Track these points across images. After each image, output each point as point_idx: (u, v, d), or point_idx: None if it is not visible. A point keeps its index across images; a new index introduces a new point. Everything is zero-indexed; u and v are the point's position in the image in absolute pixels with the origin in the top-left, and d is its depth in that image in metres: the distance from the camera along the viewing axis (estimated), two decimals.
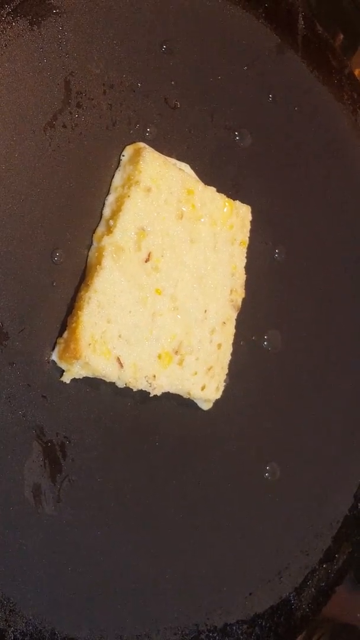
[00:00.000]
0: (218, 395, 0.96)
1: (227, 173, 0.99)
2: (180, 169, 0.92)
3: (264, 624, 1.02)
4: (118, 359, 0.85)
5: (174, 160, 0.92)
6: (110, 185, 0.88)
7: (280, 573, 1.05)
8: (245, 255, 0.98)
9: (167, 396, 0.91)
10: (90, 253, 0.86)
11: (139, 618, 0.90)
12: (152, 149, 0.89)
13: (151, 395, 0.89)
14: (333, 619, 1.17)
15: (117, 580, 0.88)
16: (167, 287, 0.89)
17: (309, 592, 1.07)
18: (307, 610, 1.07)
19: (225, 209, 0.95)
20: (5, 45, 0.79)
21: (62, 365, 0.83)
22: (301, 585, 1.07)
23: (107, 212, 0.87)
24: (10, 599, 0.80)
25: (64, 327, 0.84)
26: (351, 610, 1.19)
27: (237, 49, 0.99)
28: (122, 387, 0.87)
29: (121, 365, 0.85)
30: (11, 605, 0.80)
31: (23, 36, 0.80)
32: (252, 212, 0.98)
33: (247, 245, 0.98)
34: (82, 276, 0.85)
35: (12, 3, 0.79)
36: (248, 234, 0.98)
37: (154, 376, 0.89)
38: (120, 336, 0.85)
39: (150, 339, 0.88)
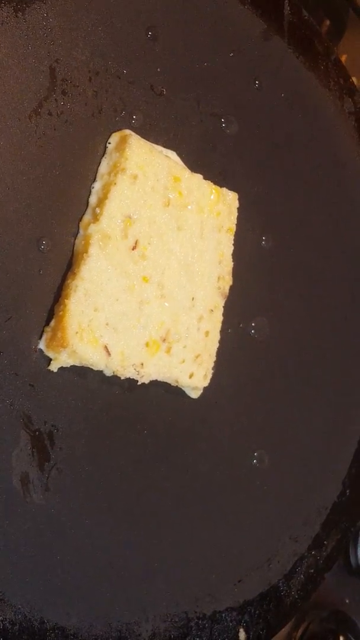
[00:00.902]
0: (206, 382, 0.96)
1: (214, 160, 0.99)
2: (166, 156, 0.91)
3: (253, 611, 1.02)
4: (105, 347, 0.85)
5: (160, 148, 0.92)
6: (96, 172, 0.87)
7: (269, 560, 1.05)
8: (233, 242, 0.97)
9: (155, 384, 0.91)
10: (76, 241, 0.86)
11: (128, 606, 0.90)
12: (139, 136, 0.88)
13: (139, 383, 0.89)
14: (322, 605, 1.18)
15: (105, 569, 0.88)
16: (154, 275, 0.89)
17: (298, 579, 1.08)
18: (296, 597, 1.07)
19: (212, 196, 0.95)
20: None
21: (50, 354, 0.83)
22: (290, 572, 1.07)
23: (93, 199, 0.87)
24: None
25: (51, 315, 0.83)
26: (340, 597, 1.20)
27: (222, 35, 0.99)
28: (109, 375, 0.87)
29: (109, 354, 0.85)
30: (0, 594, 0.80)
31: (7, 23, 0.79)
32: (239, 199, 0.97)
33: (234, 233, 0.97)
34: (68, 264, 0.85)
35: None
36: (235, 221, 0.97)
37: (142, 364, 0.88)
38: (107, 324, 0.85)
39: (137, 326, 0.88)
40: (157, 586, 0.93)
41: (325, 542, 1.11)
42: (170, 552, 0.95)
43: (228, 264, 0.97)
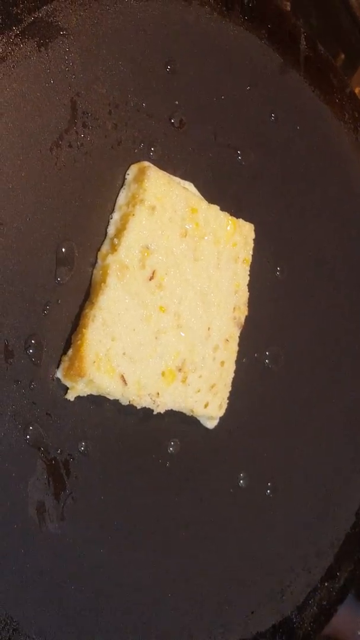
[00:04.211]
0: (221, 412, 0.96)
1: (230, 191, 1.00)
2: (184, 187, 0.92)
3: None
4: (122, 376, 0.85)
5: (178, 179, 0.93)
6: (115, 203, 0.88)
7: (282, 591, 1.04)
8: (249, 273, 0.98)
9: (171, 414, 0.91)
10: (95, 271, 0.86)
11: (141, 636, 0.90)
12: (157, 168, 0.89)
13: (155, 412, 0.89)
14: (335, 637, 1.17)
15: (119, 598, 0.88)
16: (171, 305, 0.90)
17: (311, 611, 1.07)
18: (309, 628, 1.07)
19: (228, 227, 0.95)
20: (13, 67, 0.79)
21: (67, 383, 0.83)
22: (303, 603, 1.07)
23: (111, 230, 0.88)
24: (13, 618, 0.79)
25: (68, 344, 0.84)
26: (352, 629, 1.19)
27: (240, 69, 1.00)
28: (125, 404, 0.87)
29: (125, 383, 0.86)
30: (14, 624, 0.80)
31: (31, 57, 0.81)
32: (255, 230, 0.98)
33: (250, 263, 0.98)
34: (86, 294, 0.86)
35: (20, 25, 0.80)
36: (251, 252, 0.98)
37: (158, 394, 0.89)
38: (124, 354, 0.85)
39: (154, 356, 0.88)
40: (171, 616, 0.93)
41: (338, 574, 1.11)
42: (183, 583, 0.94)
43: (244, 295, 0.98)
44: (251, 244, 0.98)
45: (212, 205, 0.94)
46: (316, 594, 1.08)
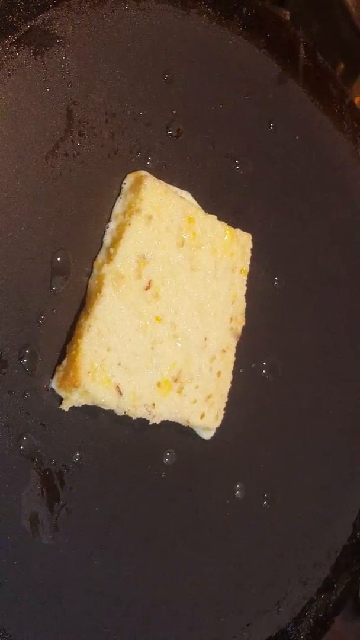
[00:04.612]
0: (217, 423, 0.96)
1: (228, 201, 0.99)
2: (181, 197, 0.92)
3: None
4: (117, 387, 0.85)
5: (175, 188, 0.92)
6: (111, 213, 0.88)
7: (278, 603, 1.04)
8: (246, 283, 0.98)
9: (166, 424, 0.91)
10: (90, 281, 0.86)
11: None
12: (154, 177, 0.89)
13: (150, 423, 0.89)
14: None
15: (114, 610, 0.88)
16: (167, 315, 0.89)
17: (307, 623, 1.07)
18: None
19: (226, 237, 0.95)
20: (9, 75, 0.79)
21: (61, 393, 0.83)
22: (299, 615, 1.06)
23: (107, 240, 0.87)
24: (6, 630, 0.79)
25: (63, 354, 0.83)
26: None
27: (238, 78, 1.00)
28: (121, 415, 0.86)
29: (120, 394, 0.85)
30: (7, 636, 0.79)
31: (26, 65, 0.80)
32: (252, 240, 0.98)
33: (247, 273, 0.98)
34: (82, 304, 0.85)
35: (16, 33, 0.79)
36: (249, 262, 0.98)
37: (153, 404, 0.88)
38: (119, 364, 0.85)
39: (150, 367, 0.88)
40: (165, 629, 0.92)
41: (335, 585, 1.10)
42: (178, 595, 0.94)
43: (241, 305, 0.97)
44: (249, 254, 0.98)
45: (210, 215, 0.93)
46: (313, 606, 1.07)
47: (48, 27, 0.82)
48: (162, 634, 0.92)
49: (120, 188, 0.89)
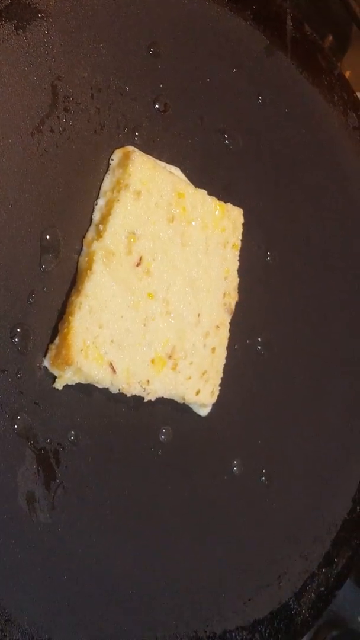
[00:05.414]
0: (213, 399, 0.95)
1: (218, 176, 0.99)
2: (170, 172, 0.91)
3: (263, 630, 1.01)
4: (111, 364, 0.84)
5: (164, 164, 0.92)
6: (99, 189, 0.87)
7: (279, 578, 1.04)
8: (238, 258, 0.97)
9: (162, 401, 0.91)
10: (80, 258, 0.85)
11: (136, 626, 0.89)
12: (142, 153, 0.88)
13: (145, 400, 0.88)
14: (333, 623, 1.16)
15: (113, 588, 0.87)
16: (159, 291, 0.89)
17: (309, 597, 1.06)
18: (307, 615, 1.06)
19: (216, 212, 0.94)
20: None
21: (54, 372, 0.82)
22: (301, 590, 1.06)
23: (96, 216, 0.87)
24: (5, 609, 0.79)
25: (55, 333, 0.83)
26: (352, 615, 1.18)
27: (225, 51, 0.99)
28: (115, 392, 0.86)
29: (114, 371, 0.85)
30: (7, 615, 0.79)
31: (8, 40, 0.79)
32: (244, 215, 0.97)
33: (239, 249, 0.97)
34: (72, 281, 0.85)
35: None
36: (240, 237, 0.97)
37: (148, 381, 0.88)
38: (112, 341, 0.84)
39: (143, 343, 0.87)
40: (166, 606, 0.92)
41: (335, 560, 1.10)
42: (178, 571, 0.94)
43: (234, 280, 0.97)
44: (240, 229, 0.97)
45: (199, 190, 0.93)
46: (314, 581, 1.07)
47: (29, 0, 0.81)
48: (162, 610, 0.92)
49: (108, 164, 0.88)
